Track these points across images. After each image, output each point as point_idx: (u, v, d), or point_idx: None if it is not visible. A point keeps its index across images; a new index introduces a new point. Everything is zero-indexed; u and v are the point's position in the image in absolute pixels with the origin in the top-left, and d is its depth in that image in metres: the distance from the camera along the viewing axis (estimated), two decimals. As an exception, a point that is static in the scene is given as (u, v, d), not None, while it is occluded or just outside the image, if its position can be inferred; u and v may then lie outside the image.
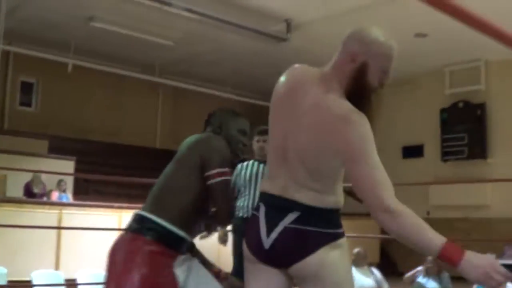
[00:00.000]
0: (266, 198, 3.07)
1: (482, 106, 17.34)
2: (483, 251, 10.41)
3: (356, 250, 10.02)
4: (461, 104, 17.73)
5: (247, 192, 6.46)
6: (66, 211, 11.90)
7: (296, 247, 2.93)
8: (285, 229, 2.94)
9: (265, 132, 6.44)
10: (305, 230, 2.92)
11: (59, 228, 11.45)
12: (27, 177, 13.64)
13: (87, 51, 16.92)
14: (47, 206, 12.31)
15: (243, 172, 6.65)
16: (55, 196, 13.62)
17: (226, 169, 3.64)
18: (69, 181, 14.68)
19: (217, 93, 19.76)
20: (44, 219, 11.38)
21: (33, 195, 13.40)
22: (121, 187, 15.72)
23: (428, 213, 17.31)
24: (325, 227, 2.95)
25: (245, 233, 3.15)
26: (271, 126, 3.20)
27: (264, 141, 6.50)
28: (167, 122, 20.98)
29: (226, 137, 3.94)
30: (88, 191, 15.96)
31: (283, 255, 2.97)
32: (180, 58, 17.65)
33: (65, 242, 11.66)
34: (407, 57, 16.29)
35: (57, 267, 11.46)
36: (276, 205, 3.00)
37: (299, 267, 2.94)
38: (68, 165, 15.00)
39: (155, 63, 18.30)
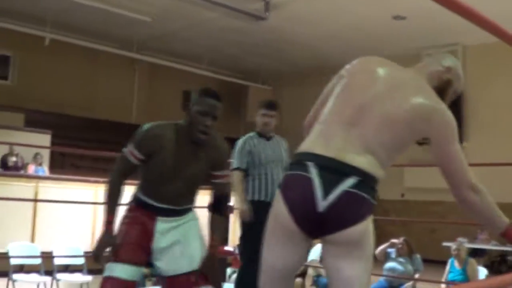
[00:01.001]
0: (317, 159, 2.96)
1: (457, 91, 17.47)
2: (456, 234, 10.65)
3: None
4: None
5: (262, 175, 6.22)
6: (42, 184, 11.91)
7: (352, 212, 2.92)
8: (346, 192, 2.89)
9: (272, 107, 6.38)
10: (362, 196, 2.92)
11: (35, 200, 11.47)
12: (3, 150, 13.63)
13: (65, 25, 16.86)
14: (24, 179, 12.32)
15: (257, 150, 6.36)
16: (31, 169, 13.63)
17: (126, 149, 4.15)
18: (45, 155, 14.69)
19: (193, 70, 19.80)
20: (20, 192, 11.40)
21: (9, 167, 13.39)
22: (97, 162, 15.75)
23: (402, 195, 17.50)
24: (373, 198, 2.98)
25: (285, 196, 2.98)
26: (348, 83, 3.26)
27: (271, 116, 6.31)
28: (143, 98, 20.97)
29: (189, 117, 4.09)
30: (64, 165, 15.97)
31: (338, 219, 2.92)
32: (158, 34, 17.62)
33: (41, 215, 11.68)
34: (384, 39, 16.41)
35: (33, 239, 11.49)
36: (333, 167, 2.93)
37: (347, 233, 2.92)
38: (44, 139, 14.99)
39: (132, 39, 18.27)
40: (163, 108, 21.00)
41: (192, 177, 4.17)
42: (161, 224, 4.18)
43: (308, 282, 9.86)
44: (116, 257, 4.05)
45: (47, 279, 9.79)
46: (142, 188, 4.27)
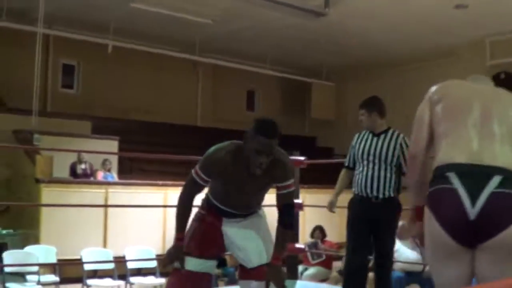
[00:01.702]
0: (456, 168, 2.97)
1: (524, 77, 17.19)
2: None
3: (400, 223, 9.99)
4: (502, 75, 17.51)
5: (360, 169, 6.17)
6: (112, 190, 12.09)
7: (505, 212, 2.87)
8: (492, 194, 2.86)
9: (361, 106, 6.40)
10: (510, 193, 2.88)
11: (105, 206, 11.63)
12: (73, 158, 13.81)
13: (127, 32, 17.03)
14: (94, 186, 12.51)
15: (357, 145, 6.32)
16: (100, 175, 13.78)
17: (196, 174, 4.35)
18: (114, 161, 14.84)
19: (256, 69, 19.82)
20: (90, 198, 11.58)
21: (78, 175, 13.58)
22: (165, 165, 15.85)
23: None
24: None
25: (435, 213, 2.98)
26: (454, 99, 3.31)
27: (362, 114, 6.26)
28: (207, 100, 21.04)
29: (246, 151, 4.19)
30: (132, 170, 16.11)
31: (492, 223, 2.86)
32: (219, 36, 17.68)
33: (112, 220, 11.85)
34: (447, 28, 16.19)
35: (105, 244, 11.66)
36: (474, 173, 2.93)
37: (503, 236, 2.85)
38: (111, 145, 15.14)
39: (194, 42, 18.35)
40: (227, 109, 21.08)
41: (254, 192, 4.41)
42: (227, 221, 4.48)
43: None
44: (186, 252, 4.36)
45: (121, 283, 9.94)
46: (212, 194, 4.53)
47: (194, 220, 4.55)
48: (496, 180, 2.85)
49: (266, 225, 4.55)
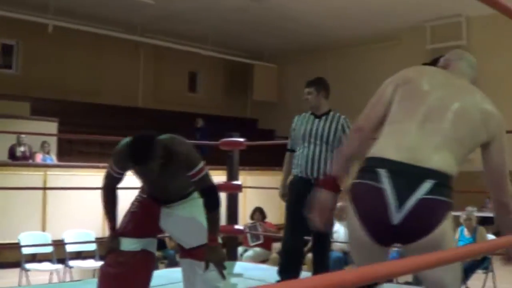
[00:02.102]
0: (389, 164, 2.85)
1: (463, 61, 17.44)
2: (465, 203, 10.56)
3: (338, 204, 10.02)
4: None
5: (301, 150, 6.11)
6: (51, 172, 11.92)
7: (429, 220, 2.81)
8: (421, 200, 2.77)
9: (308, 85, 6.36)
10: (439, 200, 2.80)
11: (44, 188, 11.48)
12: (11, 140, 13.61)
13: (68, 12, 16.82)
14: (32, 168, 12.32)
15: (297, 127, 6.25)
16: (39, 158, 13.62)
17: None
18: (53, 143, 14.66)
19: (198, 50, 19.75)
20: (29, 181, 11.40)
21: (17, 157, 13.39)
22: (105, 147, 15.69)
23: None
24: (450, 197, 2.87)
25: (357, 208, 2.90)
26: (415, 87, 3.14)
27: (309, 93, 6.17)
28: (149, 81, 20.94)
29: None
30: (72, 152, 15.95)
31: (414, 229, 2.81)
32: (161, 16, 17.57)
33: (51, 204, 11.70)
34: (388, 12, 16.32)
35: (43, 228, 11.52)
36: (406, 173, 2.82)
37: (425, 241, 2.81)
38: (51, 127, 14.95)
39: (136, 22, 18.23)
40: (169, 90, 20.98)
41: (167, 184, 4.37)
42: (165, 207, 4.54)
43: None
44: (122, 233, 4.47)
45: (60, 266, 9.82)
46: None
47: (132, 202, 4.64)
48: (427, 185, 2.78)
49: (198, 210, 4.45)
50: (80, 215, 11.54)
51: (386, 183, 2.78)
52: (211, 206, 4.33)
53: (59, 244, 9.83)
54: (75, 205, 11.60)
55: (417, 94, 3.08)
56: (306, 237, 6.33)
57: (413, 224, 2.76)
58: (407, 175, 2.79)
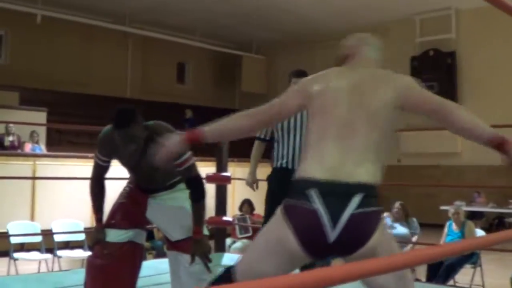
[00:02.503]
0: (318, 185, 2.87)
1: (452, 55, 17.51)
2: (453, 197, 10.65)
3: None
4: (431, 53, 17.84)
5: (285, 141, 6.10)
6: (40, 162, 11.93)
7: (363, 232, 2.88)
8: (352, 216, 2.84)
9: (296, 75, 6.32)
10: (370, 212, 2.87)
11: (33, 178, 11.48)
12: (0, 129, 13.60)
13: (56, 2, 16.81)
14: (21, 158, 12.32)
15: None
16: (28, 147, 13.61)
17: None
18: (42, 133, 14.65)
19: (186, 41, 19.76)
20: (18, 170, 11.40)
21: (6, 147, 13.38)
22: (93, 137, 15.57)
23: (399, 160, 17.53)
24: (378, 204, 2.93)
25: (293, 226, 2.89)
26: (322, 104, 3.12)
27: (295, 83, 6.28)
28: (137, 72, 20.92)
29: None
30: (61, 142, 15.95)
31: (350, 243, 2.88)
32: (149, 7, 17.57)
33: (39, 193, 11.71)
34: (378, 4, 16.35)
35: (32, 217, 11.52)
36: (335, 191, 2.86)
37: (360, 252, 2.87)
38: (40, 117, 14.93)
39: (124, 13, 18.21)
40: (157, 81, 20.97)
41: (151, 173, 4.33)
42: (152, 198, 4.55)
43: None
44: (109, 224, 4.53)
45: (48, 256, 9.82)
46: None
47: (120, 193, 4.69)
48: (356, 199, 2.83)
49: (185, 201, 4.47)
50: (69, 205, 11.54)
51: (318, 203, 2.82)
52: (197, 197, 4.34)
53: (47, 234, 9.83)
54: (64, 195, 11.61)
55: (326, 110, 3.08)
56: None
57: (348, 239, 2.83)
58: (336, 193, 2.84)
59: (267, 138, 6.36)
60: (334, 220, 2.80)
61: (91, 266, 4.50)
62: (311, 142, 3.05)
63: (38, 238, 10.05)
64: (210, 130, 3.19)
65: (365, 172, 2.91)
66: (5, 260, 9.71)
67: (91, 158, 12.07)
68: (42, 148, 13.99)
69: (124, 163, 4.46)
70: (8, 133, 13.54)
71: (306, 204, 2.84)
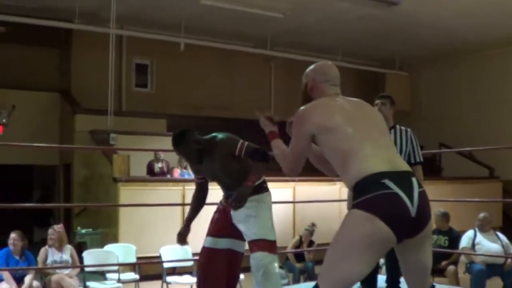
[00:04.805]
0: (388, 175, 3.35)
1: None
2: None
3: (482, 214, 9.80)
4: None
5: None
6: (189, 187, 12.10)
7: (429, 206, 3.41)
8: (420, 192, 3.35)
9: (381, 97, 6.54)
10: (424, 190, 3.42)
11: (183, 205, 11.67)
12: (149, 156, 13.92)
13: (198, 29, 17.12)
14: (171, 183, 12.58)
15: None
16: (177, 173, 13.86)
17: None
18: (189, 159, 14.88)
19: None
20: (168, 196, 11.64)
21: (155, 173, 13.68)
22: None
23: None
24: None
25: (384, 214, 3.27)
26: (352, 124, 3.63)
27: (382, 104, 6.53)
28: (280, 94, 20.98)
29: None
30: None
31: (424, 218, 3.36)
32: (290, 30, 17.62)
33: (190, 218, 11.89)
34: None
35: (184, 242, 11.71)
36: (401, 177, 3.37)
37: (428, 227, 3.43)
38: (187, 142, 15.18)
39: (265, 37, 18.34)
40: (300, 103, 21.00)
41: (219, 170, 5.42)
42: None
43: (461, 269, 9.66)
44: (207, 233, 5.63)
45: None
46: None
47: (215, 210, 5.77)
48: (415, 181, 3.38)
49: (262, 210, 5.39)
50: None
51: (396, 188, 3.29)
52: (258, 158, 5.25)
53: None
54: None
55: (351, 125, 3.61)
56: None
57: (422, 212, 3.33)
58: (402, 179, 3.35)
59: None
60: (410, 199, 3.28)
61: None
62: (352, 151, 3.51)
63: (190, 262, 10.20)
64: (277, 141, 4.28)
65: (403, 162, 3.58)
66: (158, 283, 9.92)
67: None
68: (190, 173, 14.22)
69: (202, 173, 5.66)
70: (157, 159, 13.85)
71: (387, 190, 3.28)
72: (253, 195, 5.27)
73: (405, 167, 3.50)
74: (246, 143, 5.31)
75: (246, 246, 5.49)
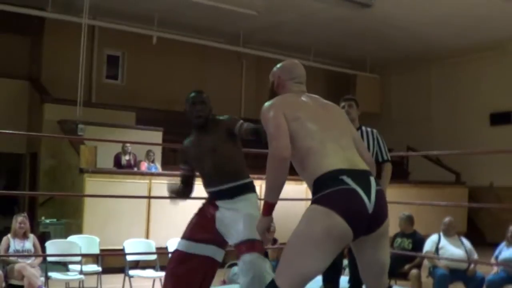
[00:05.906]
0: (347, 172, 3.44)
1: None
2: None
3: (446, 219, 9.85)
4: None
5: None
6: (155, 180, 12.08)
7: (386, 204, 3.53)
8: (378, 190, 3.46)
9: (348, 99, 6.60)
10: (382, 189, 3.55)
11: (149, 197, 11.62)
12: (117, 148, 13.85)
13: (171, 23, 17.09)
14: (137, 177, 12.52)
15: None
16: (144, 166, 13.81)
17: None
18: (157, 152, 14.85)
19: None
20: (134, 189, 11.59)
21: (122, 166, 13.62)
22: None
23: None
24: None
25: (337, 209, 3.34)
26: (315, 121, 3.74)
27: (350, 106, 6.68)
28: (251, 91, 21.01)
29: (187, 114, 5.33)
30: (176, 161, 16.12)
31: (381, 214, 3.47)
32: (263, 28, 17.64)
33: (155, 212, 11.87)
34: (494, 21, 15.96)
35: (147, 235, 11.68)
36: (359, 175, 3.47)
37: (385, 225, 3.52)
38: (156, 136, 15.14)
39: (238, 33, 18.35)
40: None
41: (217, 151, 5.10)
42: (220, 210, 5.13)
43: (424, 273, 9.70)
44: (182, 235, 5.34)
45: (163, 274, 9.91)
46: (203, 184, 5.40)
47: (196, 212, 5.44)
48: (372, 180, 3.49)
49: (252, 209, 5.02)
50: (184, 223, 11.60)
51: (353, 185, 3.38)
52: (257, 138, 4.86)
53: (162, 253, 9.92)
54: (179, 213, 11.68)
55: (313, 122, 3.71)
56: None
57: (379, 209, 3.42)
58: (360, 176, 3.45)
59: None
60: (367, 195, 3.38)
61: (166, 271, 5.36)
62: (315, 148, 3.59)
63: (153, 256, 10.16)
64: (275, 198, 3.62)
65: (362, 162, 3.63)
66: (120, 276, 9.86)
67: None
68: (158, 167, 14.18)
69: (195, 157, 5.27)
70: (125, 152, 13.78)
71: (345, 186, 3.37)
72: (242, 195, 5.08)
73: (364, 166, 3.58)
74: (241, 121, 5.16)
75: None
